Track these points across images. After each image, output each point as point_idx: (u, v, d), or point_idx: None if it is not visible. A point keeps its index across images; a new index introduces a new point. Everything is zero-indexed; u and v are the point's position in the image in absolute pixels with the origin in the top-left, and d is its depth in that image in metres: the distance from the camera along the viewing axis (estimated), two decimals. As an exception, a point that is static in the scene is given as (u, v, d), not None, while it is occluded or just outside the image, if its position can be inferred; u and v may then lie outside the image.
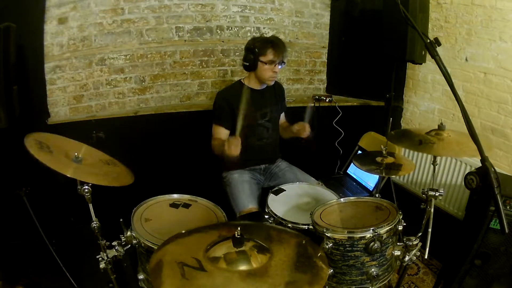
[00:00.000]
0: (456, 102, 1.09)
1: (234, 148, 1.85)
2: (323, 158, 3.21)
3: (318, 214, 1.53)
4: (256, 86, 2.22)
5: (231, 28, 2.88)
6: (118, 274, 1.52)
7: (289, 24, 3.08)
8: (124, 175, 1.49)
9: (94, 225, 1.43)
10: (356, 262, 1.41)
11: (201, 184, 1.99)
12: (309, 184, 2.05)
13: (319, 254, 1.11)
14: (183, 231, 1.20)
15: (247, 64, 2.12)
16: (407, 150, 2.85)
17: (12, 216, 2.16)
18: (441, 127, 1.66)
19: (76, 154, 1.39)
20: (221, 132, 2.15)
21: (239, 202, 2.06)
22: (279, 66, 2.12)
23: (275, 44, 2.08)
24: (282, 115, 2.46)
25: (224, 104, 2.14)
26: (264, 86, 2.24)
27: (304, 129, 2.18)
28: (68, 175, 1.28)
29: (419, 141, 1.61)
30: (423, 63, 2.56)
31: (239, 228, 1.06)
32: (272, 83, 2.22)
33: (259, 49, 2.07)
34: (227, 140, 1.91)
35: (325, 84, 3.42)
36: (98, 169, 1.45)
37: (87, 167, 1.41)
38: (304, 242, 1.19)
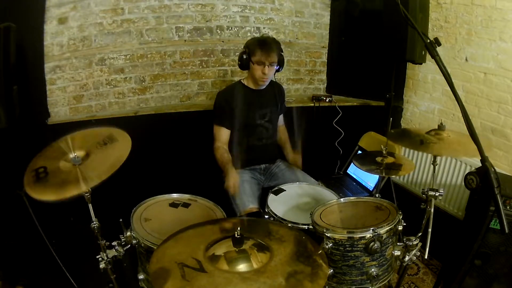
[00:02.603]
0: (456, 102, 1.09)
1: (233, 185, 1.93)
2: (323, 158, 3.22)
3: (318, 214, 1.53)
4: (254, 86, 2.22)
5: (231, 28, 2.88)
6: (118, 274, 1.51)
7: (289, 24, 3.08)
8: (124, 143, 1.43)
9: (94, 225, 1.43)
10: (356, 262, 1.41)
11: (201, 184, 1.99)
12: (309, 184, 2.05)
13: (319, 252, 1.11)
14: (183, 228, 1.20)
15: (240, 63, 2.14)
16: (407, 150, 2.85)
17: (12, 216, 2.16)
18: (441, 127, 1.66)
19: (75, 154, 1.36)
20: (223, 133, 2.15)
21: (239, 202, 2.05)
22: (276, 67, 2.13)
23: (264, 45, 2.06)
24: (281, 117, 2.45)
25: (224, 104, 2.15)
26: (263, 87, 2.24)
27: (297, 160, 2.25)
28: (76, 194, 1.20)
29: (420, 141, 1.61)
30: (423, 63, 2.56)
31: (239, 228, 1.06)
32: (264, 84, 2.20)
33: (250, 48, 2.09)
34: (228, 174, 1.96)
35: (325, 84, 3.42)
36: (99, 158, 1.36)
37: (88, 163, 1.33)
38: (304, 238, 1.19)
